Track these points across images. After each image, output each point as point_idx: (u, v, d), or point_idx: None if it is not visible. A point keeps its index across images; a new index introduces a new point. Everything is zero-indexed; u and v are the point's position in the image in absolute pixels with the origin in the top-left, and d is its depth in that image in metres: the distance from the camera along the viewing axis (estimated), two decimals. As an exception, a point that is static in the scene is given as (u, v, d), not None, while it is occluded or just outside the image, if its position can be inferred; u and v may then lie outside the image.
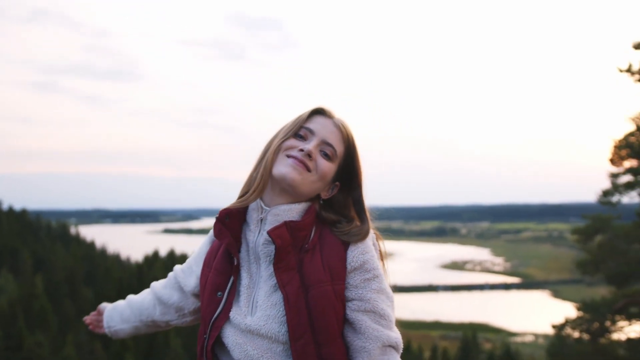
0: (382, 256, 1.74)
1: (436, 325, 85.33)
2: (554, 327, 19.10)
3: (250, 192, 1.61)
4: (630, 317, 18.12)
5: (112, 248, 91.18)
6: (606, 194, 17.19)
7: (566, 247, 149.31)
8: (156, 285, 2.00)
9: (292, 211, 1.58)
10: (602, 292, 20.42)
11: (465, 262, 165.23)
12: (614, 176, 17.02)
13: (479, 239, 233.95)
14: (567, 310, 20.98)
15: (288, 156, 1.59)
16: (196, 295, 1.81)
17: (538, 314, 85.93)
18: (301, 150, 1.58)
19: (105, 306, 2.16)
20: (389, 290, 1.66)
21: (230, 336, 1.55)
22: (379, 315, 1.56)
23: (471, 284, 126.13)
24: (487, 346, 61.13)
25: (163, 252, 75.88)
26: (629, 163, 15.88)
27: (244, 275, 1.60)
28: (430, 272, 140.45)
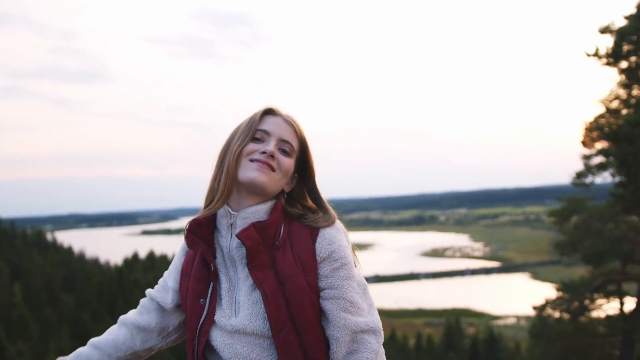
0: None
1: (419, 312, 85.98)
2: (534, 308, 19.38)
3: (216, 200, 1.64)
4: (608, 295, 18.46)
5: (90, 253, 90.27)
6: (579, 175, 17.46)
7: (543, 230, 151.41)
8: (129, 316, 1.88)
9: (259, 212, 1.64)
10: (580, 272, 20.75)
11: (445, 249, 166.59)
12: (586, 158, 17.28)
13: (458, 225, 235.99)
14: (546, 291, 21.29)
15: (251, 160, 1.63)
16: (177, 308, 1.81)
17: (519, 296, 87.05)
18: (263, 152, 1.63)
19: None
20: (360, 277, 1.64)
21: (218, 338, 1.60)
22: (348, 303, 1.57)
23: (452, 270, 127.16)
24: (471, 331, 61.79)
25: (142, 254, 75.38)
26: (600, 145, 16.13)
27: (223, 279, 1.65)
28: (411, 261, 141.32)
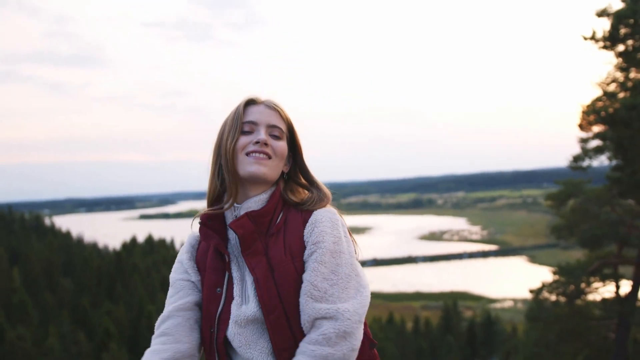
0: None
1: (417, 296, 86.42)
2: (531, 291, 19.47)
3: (226, 200, 1.69)
4: (604, 278, 18.54)
5: (88, 237, 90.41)
6: (576, 159, 17.46)
7: (541, 213, 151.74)
8: (164, 348, 1.73)
9: (260, 201, 1.69)
10: (577, 255, 20.81)
11: (442, 233, 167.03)
12: (584, 141, 17.28)
13: (455, 208, 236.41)
14: (543, 274, 21.40)
15: (247, 154, 1.68)
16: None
17: (516, 279, 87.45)
18: (257, 142, 1.68)
19: None
20: (333, 260, 1.62)
21: (230, 327, 1.65)
22: (312, 286, 1.57)
23: (450, 254, 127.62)
24: (468, 314, 62.11)
25: (141, 238, 75.60)
26: (597, 128, 16.12)
27: (235, 269, 1.69)
28: (408, 244, 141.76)
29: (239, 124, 1.71)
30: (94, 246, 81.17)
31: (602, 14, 13.93)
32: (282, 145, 1.73)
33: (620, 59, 14.37)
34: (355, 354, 1.56)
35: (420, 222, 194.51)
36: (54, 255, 51.09)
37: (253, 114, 1.73)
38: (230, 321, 1.64)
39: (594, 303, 19.15)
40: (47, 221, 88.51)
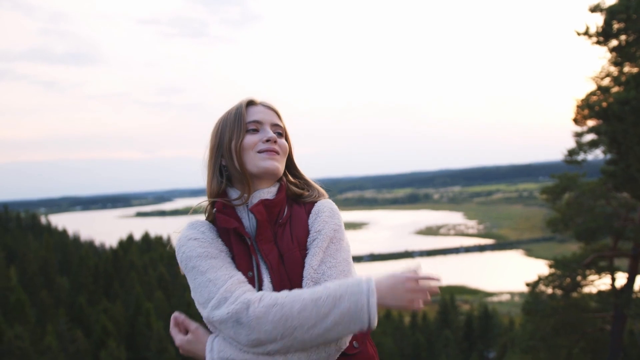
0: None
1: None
2: (527, 285, 19.56)
3: (240, 195, 1.77)
4: (599, 271, 18.64)
5: (85, 235, 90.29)
6: (571, 153, 17.54)
7: (537, 207, 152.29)
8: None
9: (270, 193, 1.80)
10: (573, 248, 20.90)
11: (439, 227, 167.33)
12: (578, 135, 17.37)
13: (452, 203, 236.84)
14: (540, 268, 21.47)
15: (259, 151, 1.77)
16: None
17: (512, 273, 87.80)
18: (267, 140, 1.77)
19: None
20: (332, 246, 1.73)
21: None
22: (312, 270, 1.69)
23: (446, 248, 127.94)
24: (465, 308, 62.31)
25: (137, 236, 75.53)
26: (592, 122, 16.18)
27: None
28: (405, 239, 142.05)
29: (243, 123, 1.79)
30: (90, 244, 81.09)
31: (595, 9, 13.98)
32: (285, 143, 1.83)
33: (614, 54, 14.42)
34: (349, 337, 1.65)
35: (416, 217, 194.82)
36: (51, 253, 50.98)
37: (256, 113, 1.82)
38: None
39: (589, 295, 19.27)
40: (43, 220, 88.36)
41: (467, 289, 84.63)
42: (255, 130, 1.80)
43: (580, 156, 17.48)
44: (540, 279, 19.09)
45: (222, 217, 1.75)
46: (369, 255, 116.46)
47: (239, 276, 1.65)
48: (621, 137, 12.83)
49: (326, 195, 1.89)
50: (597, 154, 17.36)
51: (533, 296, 19.18)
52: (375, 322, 1.56)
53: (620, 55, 14.15)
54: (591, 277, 18.91)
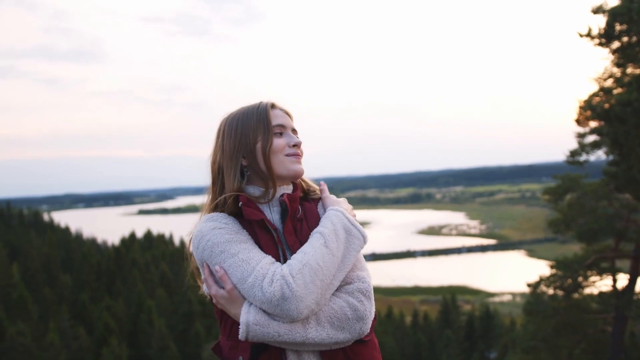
0: None
1: (416, 290, 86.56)
2: (528, 285, 19.57)
3: (263, 194, 1.85)
4: (601, 272, 18.64)
5: (87, 233, 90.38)
6: (573, 154, 17.54)
7: (539, 207, 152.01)
8: None
9: (288, 189, 1.91)
10: (575, 249, 20.89)
11: (441, 227, 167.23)
12: (581, 136, 17.36)
13: (454, 203, 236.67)
14: (542, 268, 21.46)
15: (287, 155, 1.88)
16: None
17: (514, 273, 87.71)
18: (295, 145, 1.90)
19: None
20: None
21: None
22: None
23: (448, 248, 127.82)
24: (467, 308, 62.25)
25: (140, 234, 75.64)
26: (594, 123, 16.18)
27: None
28: (407, 239, 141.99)
29: (270, 126, 1.87)
30: (92, 242, 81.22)
31: (597, 10, 14.00)
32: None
33: (616, 55, 14.42)
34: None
35: (418, 217, 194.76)
36: (53, 250, 51.06)
37: (279, 117, 1.92)
38: None
39: (591, 297, 19.26)
40: (45, 217, 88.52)
41: (469, 289, 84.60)
42: (280, 134, 1.89)
43: (583, 157, 17.48)
44: (541, 280, 19.10)
45: (248, 210, 1.81)
46: (371, 254, 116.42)
47: (269, 258, 1.73)
48: (623, 138, 12.84)
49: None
50: (599, 155, 17.36)
51: (534, 297, 19.18)
52: (366, 233, 1.82)
53: (623, 57, 14.16)
54: (592, 278, 18.92)
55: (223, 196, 1.85)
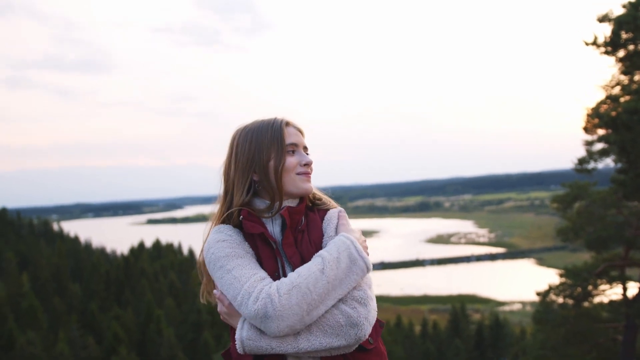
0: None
1: (425, 299, 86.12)
2: (538, 294, 19.47)
3: (269, 207, 1.91)
4: (611, 281, 18.52)
5: (96, 242, 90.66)
6: (581, 161, 17.49)
7: (549, 215, 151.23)
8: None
9: (292, 202, 1.96)
10: (585, 257, 20.76)
11: (450, 235, 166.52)
12: (589, 144, 17.32)
13: (463, 211, 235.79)
14: (552, 277, 21.35)
15: (298, 173, 1.95)
16: None
17: (524, 282, 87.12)
18: (306, 164, 1.96)
19: None
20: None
21: None
22: None
23: (457, 257, 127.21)
24: (476, 317, 61.87)
25: (148, 243, 75.82)
26: (602, 131, 16.14)
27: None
28: (416, 247, 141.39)
29: (283, 145, 1.93)
30: (102, 251, 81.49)
31: (603, 19, 14.03)
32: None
33: (621, 64, 14.42)
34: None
35: (427, 225, 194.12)
36: (63, 260, 51.30)
37: (292, 136, 1.97)
38: None
39: (601, 305, 19.13)
40: (55, 226, 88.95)
41: (478, 298, 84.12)
42: (293, 152, 1.95)
43: (591, 165, 17.42)
44: (551, 289, 19.00)
45: (248, 223, 1.89)
46: (379, 263, 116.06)
47: (262, 273, 1.79)
48: (630, 146, 12.83)
49: (335, 203, 2.05)
50: (607, 163, 17.31)
51: (544, 305, 19.08)
52: (370, 265, 1.80)
53: (630, 65, 14.15)
54: (602, 287, 18.80)
55: (229, 211, 1.94)
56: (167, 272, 55.37)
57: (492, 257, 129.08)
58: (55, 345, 34.43)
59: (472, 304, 74.62)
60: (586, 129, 16.68)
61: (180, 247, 79.18)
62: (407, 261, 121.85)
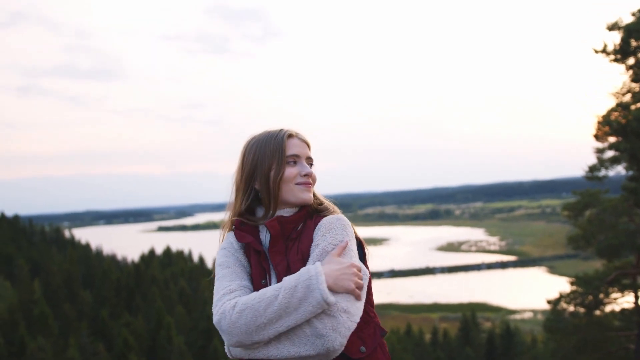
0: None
1: (435, 307, 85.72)
2: (549, 302, 19.38)
3: (264, 215, 2.00)
4: (622, 289, 18.41)
5: (107, 249, 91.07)
6: (592, 169, 17.43)
7: (560, 223, 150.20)
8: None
9: (291, 212, 2.01)
10: (597, 265, 20.64)
11: (460, 243, 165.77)
12: (599, 151, 17.27)
13: (473, 219, 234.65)
14: (563, 285, 21.23)
15: (297, 183, 1.99)
16: None
17: (535, 290, 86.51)
18: (306, 175, 2.00)
19: None
20: (322, 257, 1.87)
21: None
22: None
23: (468, 265, 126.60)
24: (487, 325, 61.52)
25: (159, 250, 76.04)
26: (612, 138, 16.10)
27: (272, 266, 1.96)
28: (426, 255, 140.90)
29: (284, 156, 1.99)
30: (112, 258, 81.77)
31: (613, 27, 14.03)
32: (315, 174, 2.05)
33: (631, 71, 14.39)
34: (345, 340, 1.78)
35: (437, 233, 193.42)
36: (74, 267, 51.54)
37: (294, 147, 2.03)
38: None
39: (612, 313, 19.01)
40: (66, 233, 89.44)
41: (489, 306, 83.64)
42: (294, 163, 2.00)
43: (602, 172, 17.37)
44: (562, 297, 18.92)
45: (238, 233, 1.99)
46: (389, 271, 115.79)
47: (234, 286, 1.87)
48: (641, 154, 12.78)
49: (338, 211, 2.05)
50: (618, 171, 17.24)
51: (555, 314, 19.00)
52: (329, 298, 1.73)
53: (639, 73, 14.12)
54: (614, 295, 18.69)
55: (227, 219, 2.05)
56: (177, 279, 55.48)
57: (503, 265, 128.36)
58: (66, 352, 34.57)
59: (482, 312, 74.18)
60: (597, 137, 16.63)
61: (190, 254, 79.34)
62: (417, 269, 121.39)
